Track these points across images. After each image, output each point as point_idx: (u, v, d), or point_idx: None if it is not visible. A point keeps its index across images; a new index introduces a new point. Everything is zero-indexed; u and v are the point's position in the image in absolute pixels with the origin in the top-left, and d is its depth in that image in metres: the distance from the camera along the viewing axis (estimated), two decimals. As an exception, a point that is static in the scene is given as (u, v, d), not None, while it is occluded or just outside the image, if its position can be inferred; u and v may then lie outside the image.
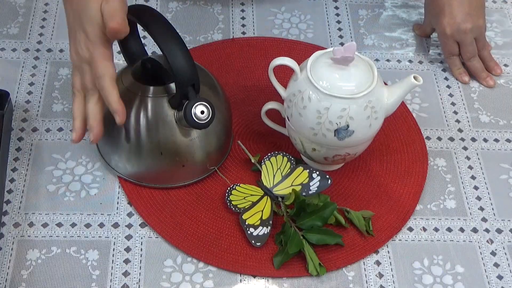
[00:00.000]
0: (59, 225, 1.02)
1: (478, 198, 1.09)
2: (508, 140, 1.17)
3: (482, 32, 1.22)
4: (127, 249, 1.00)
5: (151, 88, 1.00)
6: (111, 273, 0.98)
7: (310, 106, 0.99)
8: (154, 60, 1.04)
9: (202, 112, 0.96)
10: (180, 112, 0.98)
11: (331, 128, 0.99)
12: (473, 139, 1.17)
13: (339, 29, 1.31)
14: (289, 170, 1.06)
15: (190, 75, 0.95)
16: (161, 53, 0.95)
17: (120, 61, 1.21)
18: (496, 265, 1.02)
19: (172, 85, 0.99)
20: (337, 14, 1.33)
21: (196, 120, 0.96)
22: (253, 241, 1.00)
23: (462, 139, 1.16)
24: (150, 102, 0.99)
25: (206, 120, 0.96)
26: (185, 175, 1.05)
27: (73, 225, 1.02)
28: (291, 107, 1.02)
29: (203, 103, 0.96)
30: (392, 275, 1.00)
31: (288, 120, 1.04)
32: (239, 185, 1.06)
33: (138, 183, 1.05)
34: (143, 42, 1.06)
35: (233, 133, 1.12)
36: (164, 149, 1.01)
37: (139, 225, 1.03)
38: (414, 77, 1.01)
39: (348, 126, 0.99)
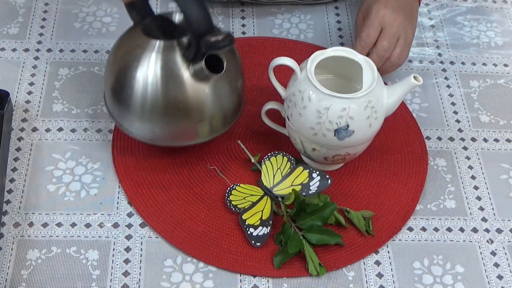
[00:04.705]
0: (59, 225, 1.02)
1: (478, 198, 1.09)
2: (508, 140, 1.17)
3: (407, 38, 1.16)
4: (127, 249, 1.00)
5: (163, 42, 0.98)
6: (111, 273, 0.98)
7: (310, 106, 0.99)
8: (163, 17, 1.02)
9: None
10: (195, 64, 0.97)
11: (331, 128, 0.99)
12: (473, 139, 1.17)
13: (339, 29, 1.31)
14: (289, 170, 1.06)
15: (207, 25, 0.93)
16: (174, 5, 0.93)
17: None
18: (496, 265, 1.02)
19: (184, 40, 0.98)
20: (337, 14, 1.33)
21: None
22: (253, 241, 1.00)
23: (462, 139, 1.16)
24: (164, 57, 0.98)
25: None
26: (201, 132, 1.04)
27: (73, 225, 1.02)
28: (291, 107, 1.02)
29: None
30: (392, 275, 1.00)
31: (288, 120, 1.04)
32: (239, 185, 1.06)
33: (153, 143, 1.04)
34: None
35: (245, 98, 1.10)
36: (180, 105, 0.99)
37: (139, 225, 1.03)
38: (414, 77, 1.01)
39: (348, 126, 0.99)
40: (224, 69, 0.97)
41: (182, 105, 0.99)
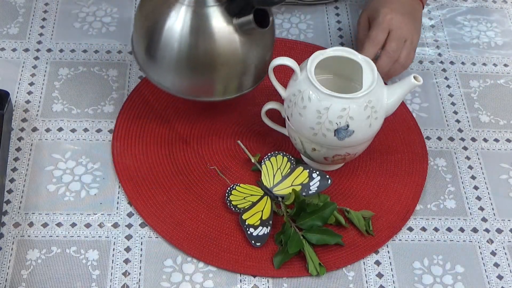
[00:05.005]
0: (59, 225, 1.02)
1: (478, 198, 1.09)
2: (508, 140, 1.17)
3: (413, 41, 1.18)
4: (127, 249, 1.00)
5: None
6: (111, 273, 0.98)
7: (310, 106, 0.99)
8: None
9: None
10: (241, 18, 0.97)
11: (331, 128, 0.99)
12: (473, 139, 1.17)
13: (339, 29, 1.31)
14: (289, 170, 1.06)
15: None
16: None
17: None
18: (496, 265, 1.02)
19: None
20: (337, 14, 1.33)
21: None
22: (253, 241, 1.00)
23: (462, 139, 1.16)
24: (205, 12, 0.99)
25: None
26: (240, 85, 1.05)
27: (73, 225, 1.02)
28: (291, 107, 1.02)
29: None
30: (392, 275, 1.00)
31: (288, 120, 1.04)
32: (239, 185, 1.06)
33: (192, 98, 1.05)
34: None
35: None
36: (223, 58, 1.00)
37: (139, 225, 1.03)
38: (414, 77, 1.01)
39: (348, 126, 0.99)
40: (270, 24, 0.98)
41: (226, 58, 1.00)
